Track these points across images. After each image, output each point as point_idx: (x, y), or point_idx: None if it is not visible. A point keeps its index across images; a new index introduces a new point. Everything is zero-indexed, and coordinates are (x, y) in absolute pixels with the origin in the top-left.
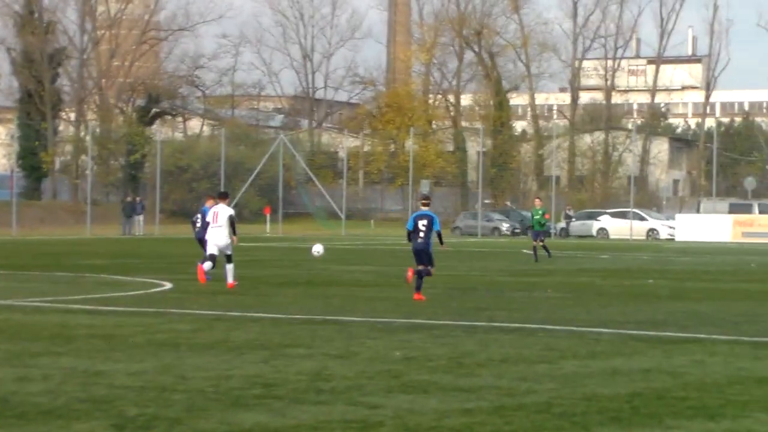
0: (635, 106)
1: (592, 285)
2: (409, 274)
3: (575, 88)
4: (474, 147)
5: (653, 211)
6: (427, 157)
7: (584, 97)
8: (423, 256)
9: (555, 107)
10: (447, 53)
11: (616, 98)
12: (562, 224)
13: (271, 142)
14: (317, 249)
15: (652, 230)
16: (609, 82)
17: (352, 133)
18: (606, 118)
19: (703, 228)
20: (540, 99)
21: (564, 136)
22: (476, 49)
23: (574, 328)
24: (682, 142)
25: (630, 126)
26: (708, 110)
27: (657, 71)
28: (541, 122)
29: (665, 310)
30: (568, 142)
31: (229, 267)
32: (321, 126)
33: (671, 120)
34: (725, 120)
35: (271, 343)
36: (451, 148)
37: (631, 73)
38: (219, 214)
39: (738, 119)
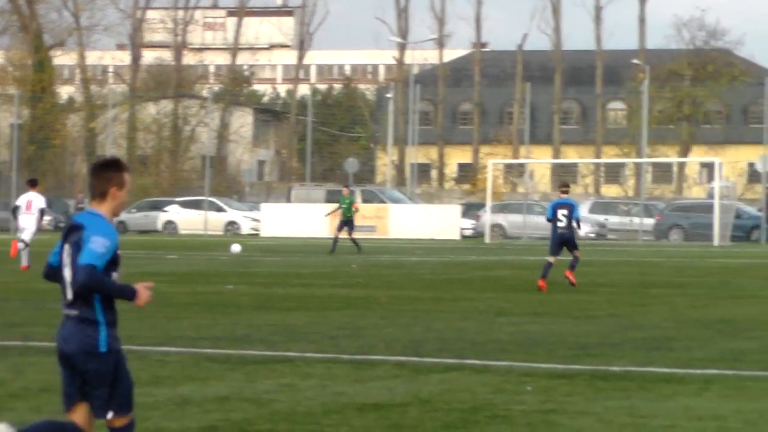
0: (212, 69)
1: (157, 292)
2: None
3: (137, 45)
4: (7, 118)
5: (233, 200)
6: None
7: (148, 57)
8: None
9: (111, 69)
10: None
11: (189, 58)
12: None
13: None
14: (235, 248)
15: (231, 223)
16: (180, 38)
17: None
18: (176, 83)
19: (295, 220)
20: (93, 58)
21: (122, 105)
22: None
23: (134, 347)
24: (269, 114)
25: (205, 93)
26: (301, 74)
27: (239, 25)
28: (94, 87)
29: (248, 323)
30: (128, 113)
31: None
32: None
33: (257, 86)
34: (322, 87)
35: None
36: None
37: (208, 27)
38: (33, 202)
39: (337, 86)
